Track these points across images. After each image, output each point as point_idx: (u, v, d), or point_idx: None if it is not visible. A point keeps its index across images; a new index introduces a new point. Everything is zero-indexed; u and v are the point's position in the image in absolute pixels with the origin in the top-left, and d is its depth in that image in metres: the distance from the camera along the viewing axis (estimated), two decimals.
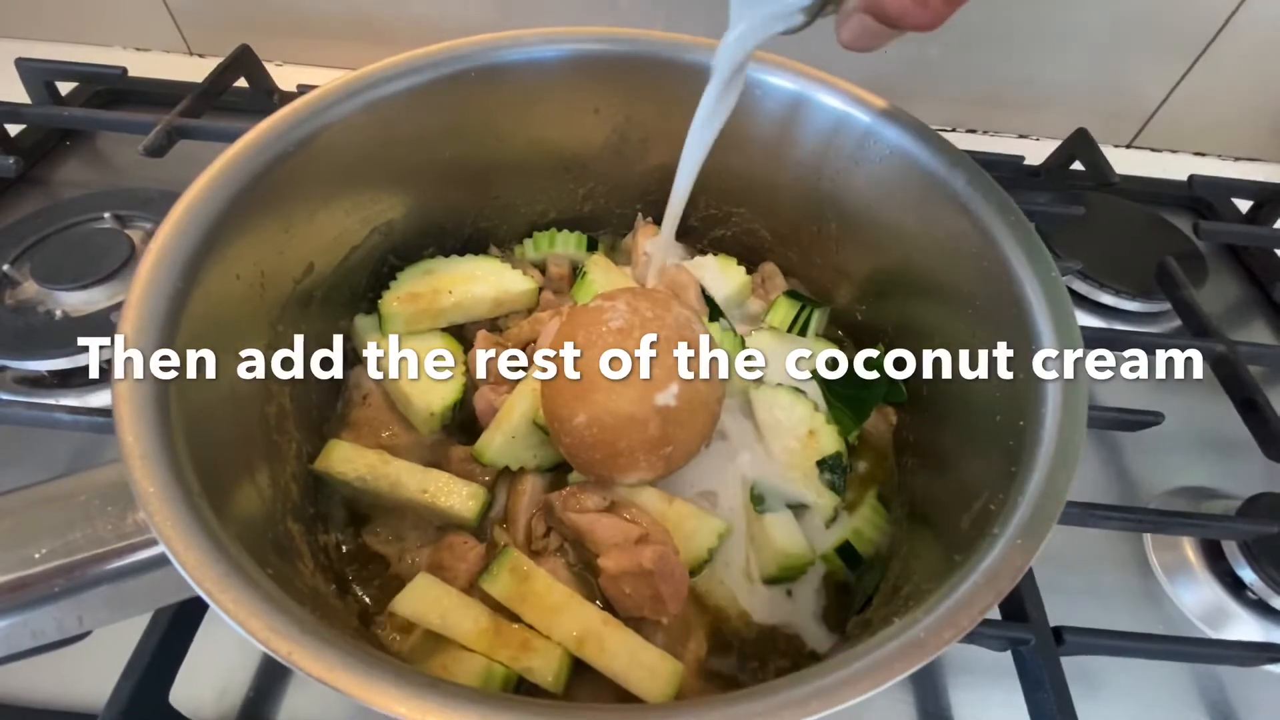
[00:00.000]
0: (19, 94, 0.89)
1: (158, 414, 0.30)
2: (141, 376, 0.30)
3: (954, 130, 1.08)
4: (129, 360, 0.30)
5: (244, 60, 0.89)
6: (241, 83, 0.89)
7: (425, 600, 0.41)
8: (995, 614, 0.53)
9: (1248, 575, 0.59)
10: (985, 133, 1.08)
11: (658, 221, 0.65)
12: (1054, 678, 0.48)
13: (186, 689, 0.47)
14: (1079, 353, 0.36)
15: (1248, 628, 0.58)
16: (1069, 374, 0.35)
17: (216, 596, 0.25)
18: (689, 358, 0.44)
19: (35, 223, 0.76)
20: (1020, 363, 0.38)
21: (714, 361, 0.46)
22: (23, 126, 0.89)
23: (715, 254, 0.62)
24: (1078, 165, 0.92)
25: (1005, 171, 0.94)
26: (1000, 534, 0.30)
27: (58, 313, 0.71)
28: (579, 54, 0.53)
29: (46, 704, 0.49)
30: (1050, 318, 0.38)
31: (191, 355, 0.34)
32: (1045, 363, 0.36)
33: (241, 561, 0.27)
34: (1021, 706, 0.49)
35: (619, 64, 0.54)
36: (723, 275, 0.59)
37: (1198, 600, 0.60)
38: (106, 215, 0.78)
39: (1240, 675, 0.56)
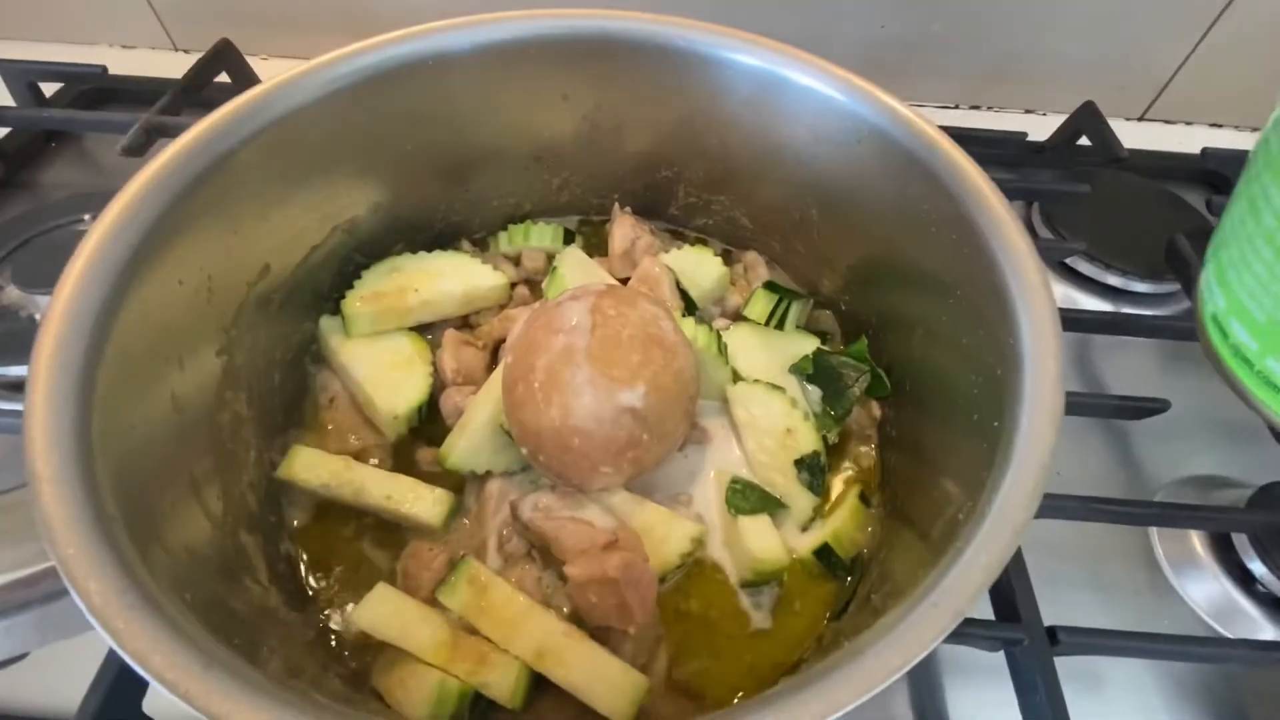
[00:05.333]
0: (2, 96, 0.88)
1: (76, 434, 0.29)
2: (57, 395, 0.29)
3: (957, 107, 1.05)
4: (45, 378, 0.29)
5: (225, 54, 0.88)
6: (224, 78, 0.88)
7: (383, 611, 0.40)
8: (988, 613, 0.51)
9: (1258, 568, 0.56)
10: (990, 109, 1.05)
11: (636, 211, 0.63)
12: (1047, 680, 0.47)
13: (163, 697, 0.46)
14: (1055, 354, 0.33)
15: (1257, 624, 0.56)
16: (1046, 374, 0.33)
17: (116, 631, 0.24)
18: (657, 356, 0.43)
19: (15, 227, 0.76)
20: (997, 357, 0.36)
21: (685, 359, 0.44)
22: (6, 130, 0.88)
23: (692, 245, 0.60)
24: (1085, 141, 0.88)
25: (1008, 149, 0.90)
26: (964, 549, 0.28)
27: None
28: (542, 37, 0.51)
29: (16, 712, 0.48)
30: (1029, 310, 0.35)
31: (121, 369, 0.32)
32: (1021, 362, 0.33)
33: (153, 591, 0.26)
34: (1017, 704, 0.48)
35: (585, 47, 0.52)
36: (699, 267, 0.57)
37: (1205, 594, 0.58)
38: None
39: (1249, 672, 0.54)
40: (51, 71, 0.90)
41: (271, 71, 0.95)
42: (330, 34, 1.01)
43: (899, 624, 0.26)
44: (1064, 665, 0.47)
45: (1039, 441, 0.31)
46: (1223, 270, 0.38)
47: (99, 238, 0.34)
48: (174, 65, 0.96)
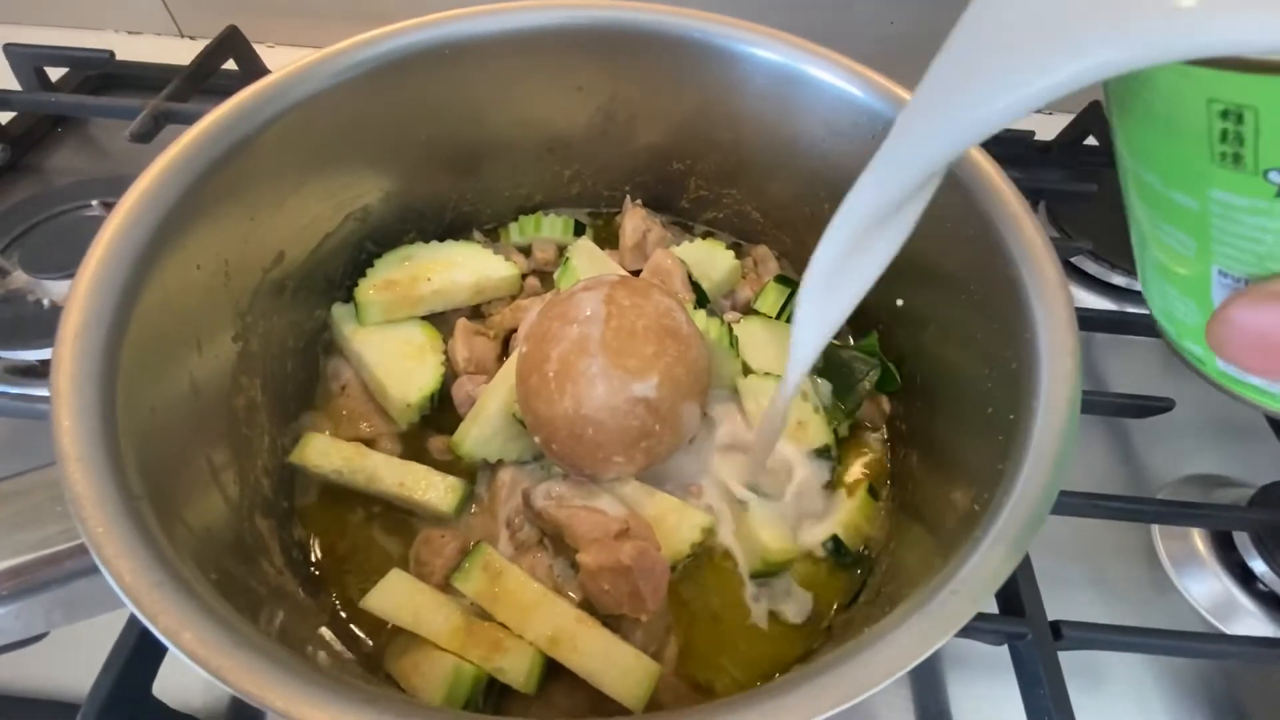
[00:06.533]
0: (8, 80, 0.88)
1: (101, 415, 0.29)
2: (81, 375, 0.29)
3: None
4: (69, 359, 0.29)
5: (232, 41, 0.87)
6: (231, 65, 0.88)
7: (396, 597, 0.40)
8: (992, 608, 0.51)
9: (1259, 567, 0.57)
10: None
11: (647, 204, 0.63)
12: (1051, 674, 0.47)
13: (172, 681, 0.46)
14: (1072, 349, 0.34)
15: (1258, 621, 0.56)
16: (1062, 368, 0.33)
17: (147, 608, 0.24)
18: (670, 348, 0.43)
19: (22, 211, 0.76)
20: (1013, 351, 0.36)
21: (698, 351, 0.45)
22: (12, 114, 0.88)
23: (704, 238, 0.60)
24: (1092, 140, 0.88)
25: (1015, 148, 0.90)
26: (982, 538, 0.28)
27: (46, 302, 0.70)
28: (558, 27, 0.51)
29: (29, 693, 0.49)
30: (1045, 306, 0.36)
31: (142, 352, 0.33)
32: (1037, 356, 0.34)
33: (180, 569, 0.26)
34: (1020, 700, 0.48)
35: (601, 38, 0.52)
36: (710, 260, 0.57)
37: (1206, 592, 0.58)
38: (94, 203, 0.77)
39: (1248, 669, 0.55)
40: (58, 56, 0.89)
41: (278, 59, 0.95)
42: (337, 22, 1.01)
43: (919, 610, 0.26)
44: (1065, 661, 0.47)
45: (1057, 433, 0.31)
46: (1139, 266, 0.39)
47: (120, 221, 0.34)
48: (181, 52, 0.96)
